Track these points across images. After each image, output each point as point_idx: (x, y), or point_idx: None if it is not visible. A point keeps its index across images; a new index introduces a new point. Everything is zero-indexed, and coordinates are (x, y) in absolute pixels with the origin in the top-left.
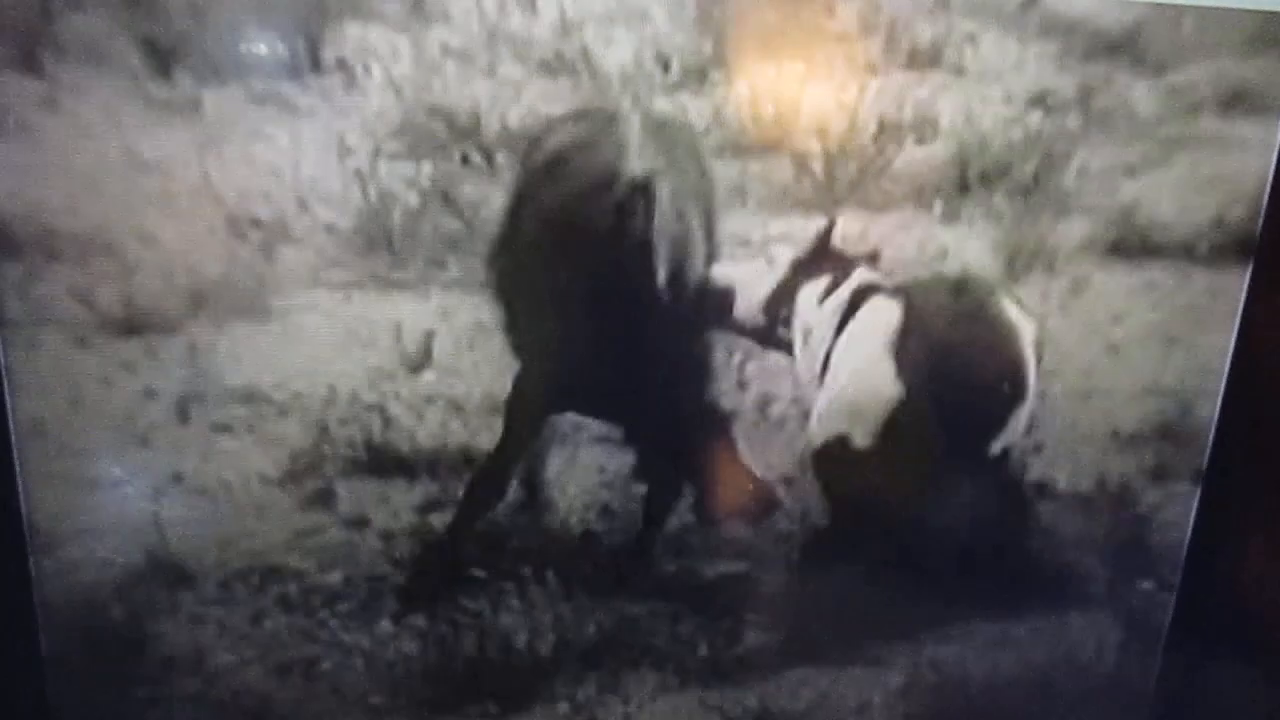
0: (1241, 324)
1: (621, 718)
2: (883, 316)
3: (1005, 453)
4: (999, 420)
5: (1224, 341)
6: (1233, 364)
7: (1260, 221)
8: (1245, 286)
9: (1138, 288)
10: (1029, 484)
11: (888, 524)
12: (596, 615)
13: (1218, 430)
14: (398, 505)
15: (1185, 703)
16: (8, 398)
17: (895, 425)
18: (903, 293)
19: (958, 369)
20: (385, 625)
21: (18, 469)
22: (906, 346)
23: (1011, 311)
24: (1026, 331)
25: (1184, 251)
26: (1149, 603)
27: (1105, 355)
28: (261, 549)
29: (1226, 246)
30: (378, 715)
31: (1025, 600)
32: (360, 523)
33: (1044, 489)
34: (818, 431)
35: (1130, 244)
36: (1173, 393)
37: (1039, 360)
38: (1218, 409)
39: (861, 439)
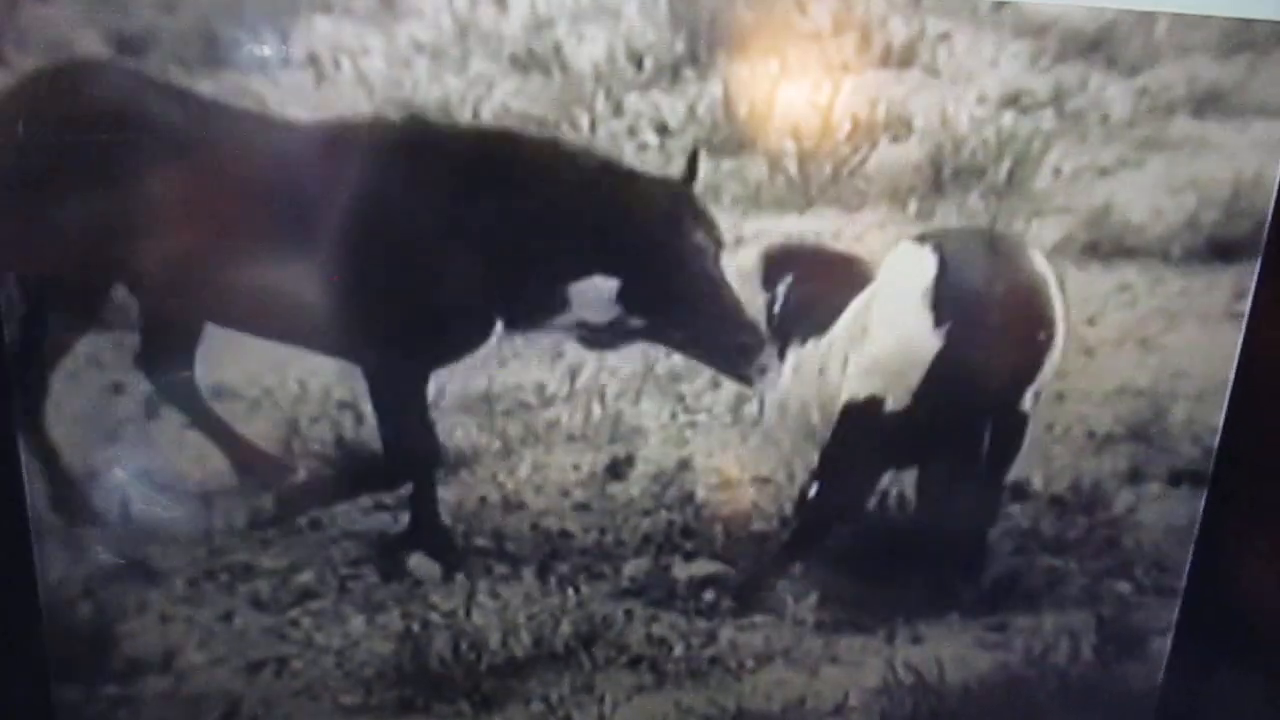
0: (1247, 329)
1: (596, 718)
2: (916, 265)
3: (1031, 407)
4: (1034, 367)
5: (1196, 343)
6: (1238, 369)
7: (1268, 224)
8: (1252, 289)
9: (1111, 289)
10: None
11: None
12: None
13: (1222, 435)
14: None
15: (1189, 711)
16: None
17: (932, 380)
18: (934, 239)
19: (996, 317)
20: (357, 624)
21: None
22: (944, 295)
23: (1038, 256)
24: (1051, 277)
25: (1158, 254)
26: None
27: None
28: (231, 546)
29: (1199, 249)
30: (349, 715)
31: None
32: (332, 520)
33: (1019, 490)
34: (844, 392)
35: (1104, 245)
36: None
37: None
38: (1223, 414)
39: (896, 400)
